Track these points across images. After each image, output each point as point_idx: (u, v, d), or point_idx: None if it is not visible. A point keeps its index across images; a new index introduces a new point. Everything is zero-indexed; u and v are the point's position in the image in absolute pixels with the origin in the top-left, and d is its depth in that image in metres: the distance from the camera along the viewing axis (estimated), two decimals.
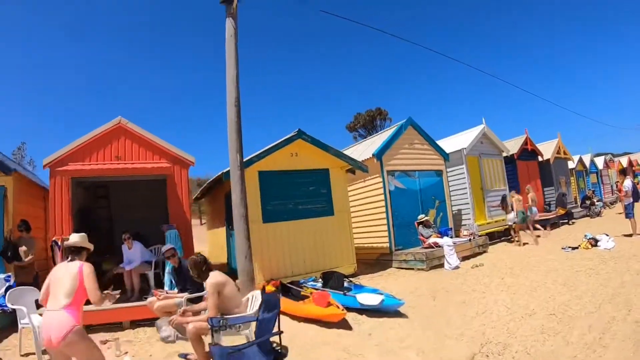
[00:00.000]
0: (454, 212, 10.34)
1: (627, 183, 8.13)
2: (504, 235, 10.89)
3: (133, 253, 6.40)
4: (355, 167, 7.82)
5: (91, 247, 3.29)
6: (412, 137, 9.36)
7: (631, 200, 8.06)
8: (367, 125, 25.84)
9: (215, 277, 3.91)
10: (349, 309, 5.34)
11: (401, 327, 4.68)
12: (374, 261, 8.82)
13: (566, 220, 12.71)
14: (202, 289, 4.62)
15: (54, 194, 6.53)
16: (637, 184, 8.71)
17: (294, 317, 5.33)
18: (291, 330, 4.93)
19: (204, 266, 3.98)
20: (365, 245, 9.27)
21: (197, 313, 4.15)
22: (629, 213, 8.09)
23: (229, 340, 3.88)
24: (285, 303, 5.64)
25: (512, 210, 9.78)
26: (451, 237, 8.99)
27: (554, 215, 12.38)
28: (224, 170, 6.52)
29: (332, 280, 6.27)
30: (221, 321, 3.55)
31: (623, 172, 8.64)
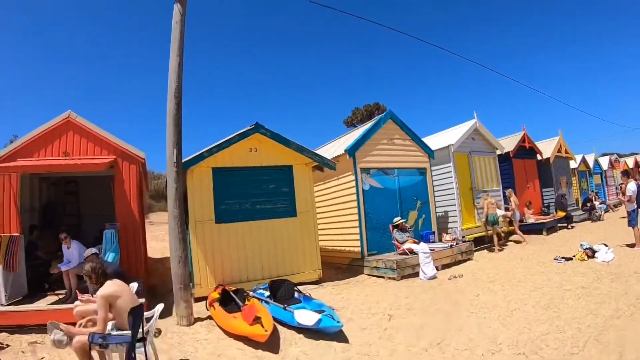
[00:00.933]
0: (439, 215, 9.13)
1: (631, 186, 6.70)
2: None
3: (71, 253, 5.59)
4: (321, 164, 6.76)
5: None
6: (392, 132, 8.18)
7: (635, 206, 6.64)
8: (364, 120, 24.31)
9: (106, 288, 3.22)
10: (286, 326, 4.39)
11: (335, 354, 3.68)
12: (346, 266, 7.75)
13: (565, 224, 11.22)
14: None
15: (2, 191, 5.97)
16: None
17: (226, 332, 4.40)
18: (217, 347, 4.04)
19: (99, 271, 3.34)
20: (338, 249, 8.21)
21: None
22: (632, 220, 6.68)
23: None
24: (218, 315, 4.73)
25: (484, 213, 8.64)
26: (433, 242, 7.84)
27: (552, 219, 10.93)
28: None
29: (281, 290, 5.30)
30: (100, 339, 2.94)
31: (626, 174, 7.13)
